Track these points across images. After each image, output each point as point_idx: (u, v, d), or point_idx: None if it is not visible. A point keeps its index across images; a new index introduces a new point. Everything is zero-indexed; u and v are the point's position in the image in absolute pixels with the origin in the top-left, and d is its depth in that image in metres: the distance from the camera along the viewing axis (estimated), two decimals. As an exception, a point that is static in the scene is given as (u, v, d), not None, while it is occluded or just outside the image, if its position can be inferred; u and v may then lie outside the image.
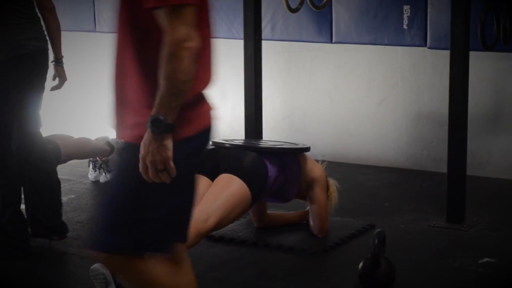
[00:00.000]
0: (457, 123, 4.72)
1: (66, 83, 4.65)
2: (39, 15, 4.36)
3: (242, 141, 4.70)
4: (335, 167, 5.05)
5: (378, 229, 3.97)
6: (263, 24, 5.73)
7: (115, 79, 2.68)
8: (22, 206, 4.43)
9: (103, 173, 5.70)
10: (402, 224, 4.86)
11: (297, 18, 5.82)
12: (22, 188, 4.42)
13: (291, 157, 4.48)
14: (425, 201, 5.24)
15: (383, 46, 5.89)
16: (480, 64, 5.57)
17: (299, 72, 6.30)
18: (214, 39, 2.78)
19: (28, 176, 4.39)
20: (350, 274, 4.04)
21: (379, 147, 6.11)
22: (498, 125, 5.72)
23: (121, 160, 2.71)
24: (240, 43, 5.49)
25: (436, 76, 5.85)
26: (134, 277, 2.76)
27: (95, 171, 5.73)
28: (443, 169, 4.97)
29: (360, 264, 3.95)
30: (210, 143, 4.51)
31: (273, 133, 6.23)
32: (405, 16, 5.57)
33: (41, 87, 4.36)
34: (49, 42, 4.40)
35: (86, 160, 5.75)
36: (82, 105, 7.02)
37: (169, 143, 2.55)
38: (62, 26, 4.55)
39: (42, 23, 4.39)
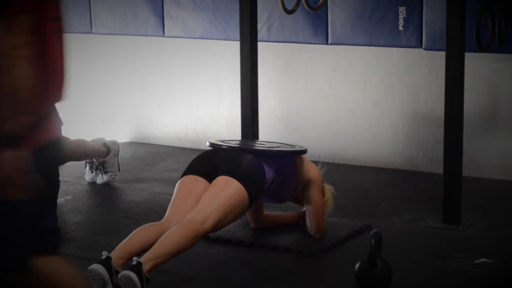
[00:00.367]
0: (453, 124, 4.73)
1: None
2: None
3: (239, 142, 4.70)
4: (331, 168, 5.06)
5: (375, 230, 3.98)
6: (259, 25, 5.74)
7: None
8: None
9: (100, 175, 5.70)
10: (398, 224, 4.87)
11: (293, 19, 5.83)
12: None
13: (288, 158, 4.49)
14: (422, 201, 5.25)
15: (379, 47, 5.90)
16: (476, 65, 5.59)
17: (295, 73, 6.31)
18: (66, 49, 2.77)
19: None
20: (347, 275, 4.05)
21: (376, 148, 6.12)
22: (494, 125, 5.74)
23: None
24: (236, 44, 5.50)
25: (432, 77, 5.86)
26: None
27: (92, 172, 5.73)
28: (439, 169, 4.97)
29: (357, 265, 3.96)
30: (207, 144, 4.53)
31: (269, 133, 6.23)
32: (401, 17, 5.58)
33: None
34: None
35: (83, 162, 5.76)
36: (78, 107, 7.02)
37: (12, 155, 2.55)
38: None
39: None
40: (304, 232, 4.65)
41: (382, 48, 5.90)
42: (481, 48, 4.95)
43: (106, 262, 3.74)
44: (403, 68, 5.96)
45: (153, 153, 6.58)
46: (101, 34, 6.69)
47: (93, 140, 5.67)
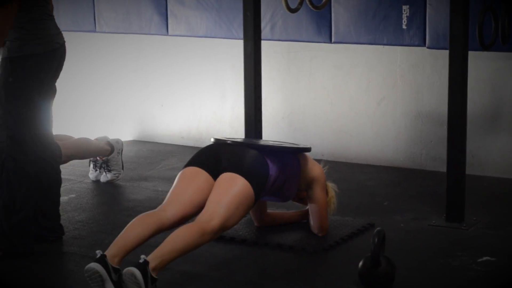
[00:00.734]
0: (456, 123, 4.73)
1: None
2: None
3: (242, 140, 4.70)
4: (334, 167, 5.07)
5: (378, 228, 3.98)
6: (263, 24, 5.74)
7: None
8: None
9: (104, 173, 5.71)
10: (401, 223, 4.87)
11: (296, 18, 5.83)
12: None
13: (292, 156, 4.49)
14: (425, 200, 5.25)
15: (382, 46, 5.90)
16: (479, 63, 5.59)
17: (299, 72, 6.31)
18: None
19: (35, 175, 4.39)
20: (350, 273, 4.05)
21: (379, 147, 6.12)
22: (497, 124, 5.74)
23: None
24: (240, 43, 5.50)
25: (435, 76, 5.86)
26: None
27: (96, 170, 5.75)
28: (443, 168, 4.98)
29: (360, 263, 3.96)
30: (212, 140, 4.52)
31: (272, 132, 6.24)
32: (404, 16, 5.58)
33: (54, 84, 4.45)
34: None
35: (87, 160, 5.77)
36: (82, 105, 7.04)
37: None
38: (62, 26, 4.58)
39: None
40: (307, 231, 4.65)
41: (385, 46, 5.90)
42: (484, 47, 4.95)
43: (102, 260, 3.74)
44: (406, 67, 5.96)
45: (156, 152, 6.59)
46: (105, 33, 6.70)
47: (96, 139, 5.68)
